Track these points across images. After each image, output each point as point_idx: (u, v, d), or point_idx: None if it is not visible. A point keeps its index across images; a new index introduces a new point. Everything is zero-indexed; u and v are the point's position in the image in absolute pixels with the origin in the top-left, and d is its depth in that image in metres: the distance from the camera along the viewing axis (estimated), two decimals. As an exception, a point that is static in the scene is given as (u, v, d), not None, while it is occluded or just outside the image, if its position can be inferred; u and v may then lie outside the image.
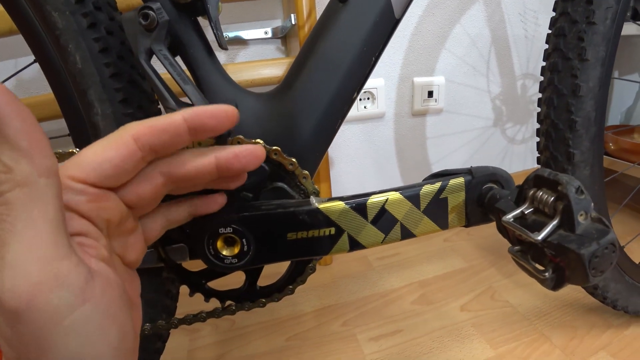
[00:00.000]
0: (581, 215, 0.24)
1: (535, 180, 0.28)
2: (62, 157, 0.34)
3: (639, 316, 0.70)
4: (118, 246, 0.24)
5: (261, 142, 0.33)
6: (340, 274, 0.93)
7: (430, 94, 1.03)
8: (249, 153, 0.26)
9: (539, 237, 0.25)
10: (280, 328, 0.76)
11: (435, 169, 1.14)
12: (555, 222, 0.25)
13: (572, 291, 0.81)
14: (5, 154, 0.16)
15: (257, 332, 0.76)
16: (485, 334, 0.72)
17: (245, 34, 0.84)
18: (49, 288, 0.17)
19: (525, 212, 0.28)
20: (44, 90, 0.76)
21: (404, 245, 1.03)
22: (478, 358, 0.67)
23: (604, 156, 1.10)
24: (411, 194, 0.33)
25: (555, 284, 0.27)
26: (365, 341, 0.72)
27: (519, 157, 1.25)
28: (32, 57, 0.43)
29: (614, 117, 1.41)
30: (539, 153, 0.59)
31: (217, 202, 0.30)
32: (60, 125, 0.51)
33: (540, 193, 0.27)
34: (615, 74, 1.34)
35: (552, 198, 0.26)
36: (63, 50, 0.37)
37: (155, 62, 0.34)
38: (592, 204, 0.25)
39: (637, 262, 0.67)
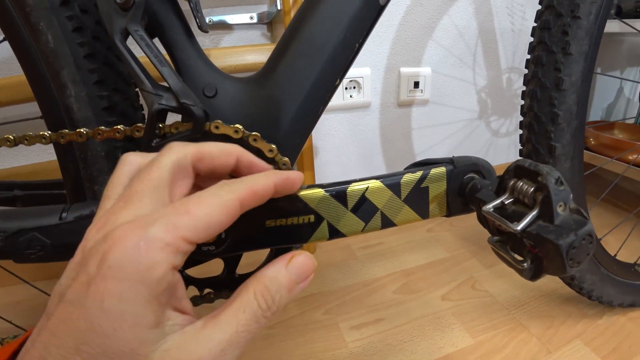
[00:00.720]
0: (560, 206, 0.24)
1: (515, 170, 0.28)
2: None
3: (612, 306, 0.72)
4: None
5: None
6: (323, 262, 0.93)
7: (416, 84, 1.03)
8: (298, 180, 0.28)
9: (518, 228, 0.25)
10: (262, 317, 0.76)
11: (420, 159, 1.15)
12: (534, 213, 0.25)
13: (549, 282, 0.82)
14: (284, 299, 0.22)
15: (238, 320, 0.76)
16: (465, 322, 0.73)
17: (230, 19, 0.82)
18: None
19: (505, 203, 0.28)
20: (16, 72, 0.73)
21: (387, 235, 1.03)
22: (458, 346, 0.68)
23: (585, 151, 1.13)
24: (392, 182, 0.32)
25: (534, 274, 0.27)
26: (347, 329, 0.72)
27: (503, 150, 1.26)
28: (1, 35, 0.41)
29: (595, 112, 1.44)
30: (521, 145, 0.60)
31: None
32: (34, 108, 0.49)
33: (521, 183, 0.27)
34: (598, 70, 1.36)
35: (532, 189, 0.26)
36: (34, 29, 0.35)
37: (131, 43, 0.33)
38: (571, 195, 0.25)
39: (613, 255, 0.69)
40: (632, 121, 1.27)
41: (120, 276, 0.17)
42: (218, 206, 0.20)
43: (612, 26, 1.07)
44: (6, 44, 0.41)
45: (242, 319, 0.20)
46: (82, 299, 0.17)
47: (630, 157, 1.02)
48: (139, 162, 0.23)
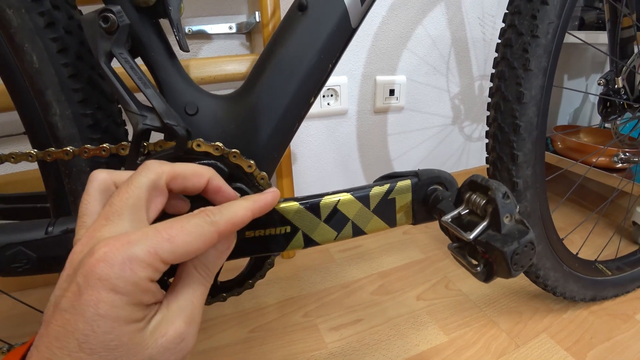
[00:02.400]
0: (506, 217, 0.28)
1: (470, 185, 0.31)
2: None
3: (575, 301, 0.77)
4: None
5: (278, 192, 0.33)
6: (302, 266, 0.96)
7: (392, 92, 1.06)
8: (273, 202, 0.30)
9: (471, 237, 0.28)
10: (244, 320, 0.78)
11: (396, 164, 1.18)
12: (485, 223, 0.28)
13: (518, 279, 0.87)
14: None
15: (220, 324, 0.77)
16: (439, 320, 0.77)
17: (210, 28, 0.84)
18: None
19: (462, 213, 0.31)
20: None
21: (364, 238, 1.06)
22: (432, 343, 0.71)
23: (552, 154, 1.19)
24: (361, 194, 0.35)
25: (487, 277, 0.30)
26: (327, 330, 0.75)
27: (476, 154, 1.31)
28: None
29: (562, 117, 1.51)
30: (487, 153, 0.64)
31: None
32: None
33: (474, 196, 0.30)
34: (565, 77, 1.43)
35: (484, 201, 0.29)
36: (18, 49, 0.37)
37: (114, 62, 0.35)
38: (517, 207, 0.28)
39: (575, 253, 0.74)
40: (597, 126, 1.34)
41: (110, 287, 0.20)
42: (198, 236, 0.23)
43: (577, 37, 1.13)
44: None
45: (194, 288, 0.25)
46: (77, 306, 0.20)
47: (594, 160, 1.08)
48: (107, 178, 0.26)
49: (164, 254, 0.22)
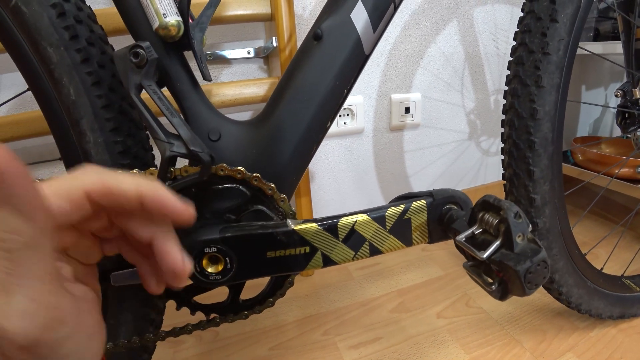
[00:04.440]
0: (519, 236, 0.28)
1: (482, 205, 0.32)
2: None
3: (602, 319, 0.75)
4: (77, 255, 0.26)
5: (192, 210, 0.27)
6: (321, 284, 0.96)
7: (407, 109, 1.08)
8: (173, 207, 0.25)
9: (484, 256, 0.29)
10: (263, 338, 0.79)
11: (413, 181, 1.19)
12: (498, 242, 0.29)
13: (541, 296, 0.85)
14: (13, 218, 0.18)
15: (240, 342, 0.78)
16: (459, 339, 0.76)
17: (229, 54, 0.87)
18: (52, 328, 0.20)
19: (476, 233, 0.32)
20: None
21: (383, 255, 1.06)
22: (453, 363, 0.71)
23: (573, 167, 1.17)
24: (378, 215, 0.36)
25: (502, 295, 0.31)
26: (346, 349, 0.75)
27: (494, 169, 1.31)
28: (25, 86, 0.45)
29: (582, 128, 1.49)
30: (503, 170, 0.64)
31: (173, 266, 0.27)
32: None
33: (487, 216, 0.31)
34: (583, 88, 1.42)
35: (496, 221, 0.30)
36: (57, 83, 0.40)
37: (143, 94, 0.38)
38: (529, 226, 0.29)
39: (599, 268, 0.72)
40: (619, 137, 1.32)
41: None
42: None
43: (595, 47, 1.12)
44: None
45: None
46: None
47: (616, 171, 1.06)
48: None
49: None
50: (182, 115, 0.40)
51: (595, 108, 1.46)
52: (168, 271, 0.26)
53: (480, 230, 0.32)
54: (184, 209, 0.25)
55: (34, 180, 0.19)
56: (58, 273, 0.21)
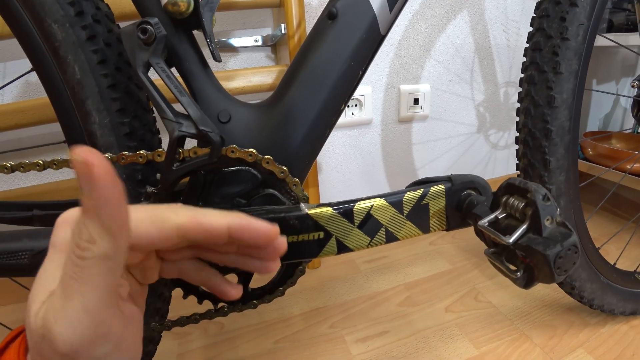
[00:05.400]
0: (547, 219, 0.27)
1: (507, 188, 0.30)
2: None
3: (614, 314, 0.73)
4: (137, 274, 0.26)
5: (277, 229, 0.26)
6: (327, 277, 0.95)
7: (416, 101, 1.06)
8: (262, 232, 0.25)
9: (510, 240, 0.27)
10: (269, 331, 0.78)
11: (421, 174, 1.17)
12: (524, 226, 0.27)
13: (551, 291, 0.84)
14: (95, 229, 0.18)
15: (246, 335, 0.77)
16: (468, 333, 0.74)
17: (236, 42, 0.86)
18: (95, 344, 0.20)
19: (499, 217, 0.30)
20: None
21: (390, 249, 1.05)
22: (462, 357, 0.69)
23: (583, 161, 1.15)
24: (395, 200, 0.35)
25: (527, 283, 0.29)
26: (353, 342, 0.74)
27: (502, 162, 1.29)
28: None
29: (592, 123, 1.46)
30: (517, 160, 0.62)
31: (228, 294, 0.29)
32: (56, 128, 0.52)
33: (512, 199, 0.30)
34: (594, 82, 1.40)
35: (522, 204, 0.28)
36: (62, 61, 0.39)
37: (151, 73, 0.36)
38: (558, 209, 0.27)
39: (612, 263, 0.71)
40: (629, 131, 1.30)
41: None
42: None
43: (606, 40, 1.10)
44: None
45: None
46: None
47: (627, 166, 1.04)
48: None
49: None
50: (191, 97, 0.38)
51: (606, 103, 1.44)
52: (263, 244, 0.26)
53: (504, 214, 0.30)
54: (271, 229, 0.25)
55: (126, 200, 0.19)
56: (117, 290, 0.22)
